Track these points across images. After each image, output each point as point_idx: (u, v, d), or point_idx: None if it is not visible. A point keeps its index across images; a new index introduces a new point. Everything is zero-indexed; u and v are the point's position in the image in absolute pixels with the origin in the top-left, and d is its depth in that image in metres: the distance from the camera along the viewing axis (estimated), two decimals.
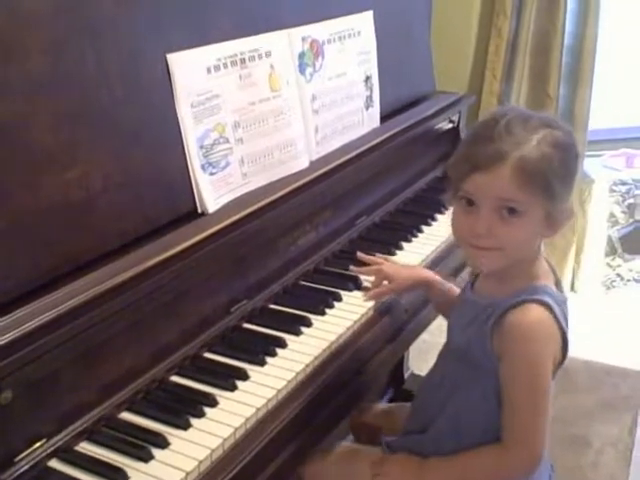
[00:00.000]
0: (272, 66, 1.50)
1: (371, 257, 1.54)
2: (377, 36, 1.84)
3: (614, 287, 3.27)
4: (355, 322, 1.42)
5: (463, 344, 1.23)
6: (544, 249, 1.23)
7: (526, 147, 1.11)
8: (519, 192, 1.10)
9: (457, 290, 1.41)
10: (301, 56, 1.60)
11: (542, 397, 1.14)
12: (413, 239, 1.77)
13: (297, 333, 1.37)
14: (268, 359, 1.29)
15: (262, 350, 1.31)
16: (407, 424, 1.37)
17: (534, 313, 1.13)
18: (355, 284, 1.53)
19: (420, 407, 1.35)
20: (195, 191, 1.34)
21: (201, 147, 1.35)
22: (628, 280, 3.27)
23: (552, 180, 1.11)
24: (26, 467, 1.03)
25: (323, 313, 1.44)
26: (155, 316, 1.22)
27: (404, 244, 1.74)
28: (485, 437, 1.20)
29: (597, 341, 2.76)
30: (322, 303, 1.45)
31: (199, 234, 1.28)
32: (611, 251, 3.23)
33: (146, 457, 1.07)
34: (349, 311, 1.45)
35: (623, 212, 3.18)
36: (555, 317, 1.14)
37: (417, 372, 2.27)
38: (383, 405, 1.57)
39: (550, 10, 2.87)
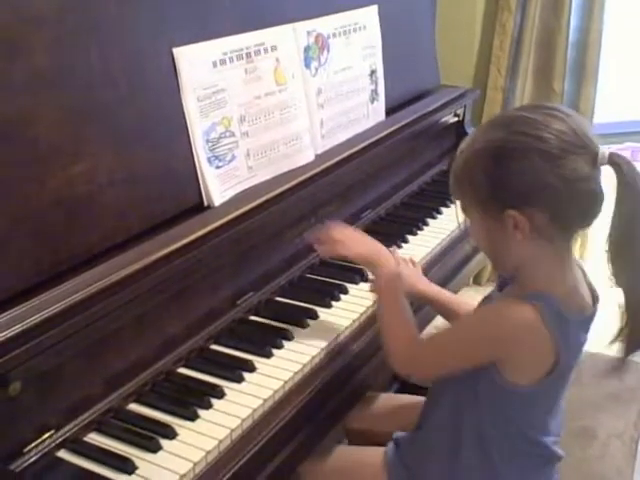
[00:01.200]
0: (278, 60, 1.51)
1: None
2: (382, 30, 1.85)
3: None
4: (361, 314, 1.43)
5: None
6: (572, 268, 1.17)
7: (466, 150, 1.12)
8: (454, 194, 1.15)
9: (446, 294, 1.44)
10: (306, 50, 1.60)
11: (460, 348, 1.16)
12: (419, 232, 1.78)
13: (303, 325, 1.38)
14: (274, 351, 1.30)
15: (268, 342, 1.31)
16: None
17: (518, 306, 1.09)
18: (361, 276, 1.53)
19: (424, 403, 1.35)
20: (201, 184, 1.35)
21: (207, 141, 1.36)
22: None
23: (475, 187, 1.10)
24: (35, 457, 1.04)
25: (329, 305, 1.44)
26: (162, 309, 1.23)
27: (410, 237, 1.74)
28: (477, 437, 1.18)
29: (603, 334, 2.76)
30: (328, 295, 1.46)
31: (205, 227, 1.29)
32: None
33: (154, 448, 1.08)
34: (355, 303, 1.46)
35: None
36: (545, 322, 1.07)
37: None
38: (380, 401, 1.55)
39: (555, 5, 2.86)
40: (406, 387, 1.78)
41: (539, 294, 1.09)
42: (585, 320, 1.15)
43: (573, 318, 1.11)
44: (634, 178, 1.06)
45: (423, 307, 1.56)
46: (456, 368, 1.16)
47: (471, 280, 2.88)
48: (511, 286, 1.18)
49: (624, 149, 3.21)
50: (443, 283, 1.70)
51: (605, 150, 1.06)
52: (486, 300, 1.28)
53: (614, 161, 1.06)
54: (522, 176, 1.05)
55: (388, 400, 1.57)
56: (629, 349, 1.17)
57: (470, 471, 1.20)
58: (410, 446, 1.29)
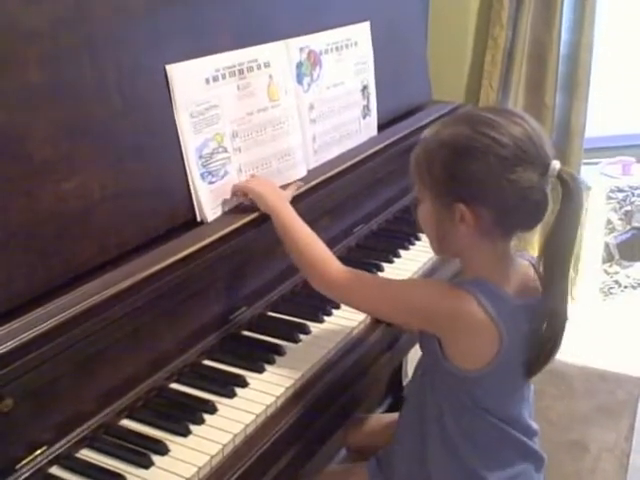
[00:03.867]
0: (270, 76, 1.52)
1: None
2: (374, 46, 1.86)
3: (612, 294, 3.28)
4: (353, 329, 1.43)
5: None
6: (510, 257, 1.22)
7: (429, 138, 1.18)
8: (412, 176, 1.21)
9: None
10: (299, 66, 1.61)
11: (388, 306, 1.24)
12: (411, 247, 1.79)
13: (296, 340, 1.38)
14: (267, 366, 1.30)
15: (261, 357, 1.32)
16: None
17: (454, 291, 1.16)
18: None
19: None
20: (194, 200, 1.35)
21: (200, 156, 1.36)
22: (625, 287, 3.28)
23: (432, 174, 1.16)
24: (27, 474, 1.04)
25: (321, 321, 1.45)
26: (155, 324, 1.24)
27: (402, 252, 1.75)
28: (440, 427, 1.22)
29: (594, 347, 2.78)
30: (320, 311, 1.47)
31: (198, 243, 1.29)
32: (608, 258, 3.24)
33: (146, 463, 1.08)
34: (347, 319, 1.46)
35: (620, 219, 3.20)
36: (481, 305, 1.13)
37: None
38: (379, 417, 1.57)
39: (546, 20, 2.89)
40: (400, 404, 1.79)
41: (474, 280, 1.16)
42: (527, 306, 1.17)
43: (510, 300, 1.16)
44: (578, 195, 1.11)
45: None
46: (385, 313, 1.29)
47: None
48: (462, 272, 1.26)
49: (615, 162, 3.24)
50: None
51: (556, 164, 1.12)
52: None
53: (562, 177, 1.11)
54: (476, 175, 1.11)
55: (385, 417, 1.58)
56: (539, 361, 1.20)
57: (438, 465, 1.23)
58: (387, 458, 1.31)
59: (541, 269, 1.16)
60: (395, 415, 1.54)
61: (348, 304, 1.35)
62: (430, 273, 1.70)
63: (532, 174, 1.10)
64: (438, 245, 1.25)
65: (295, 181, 1.54)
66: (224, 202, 1.42)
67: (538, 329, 1.16)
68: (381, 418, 1.58)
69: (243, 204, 1.44)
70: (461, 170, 1.12)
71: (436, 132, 1.18)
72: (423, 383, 1.27)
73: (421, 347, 1.29)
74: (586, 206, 3.18)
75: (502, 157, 1.09)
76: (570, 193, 1.11)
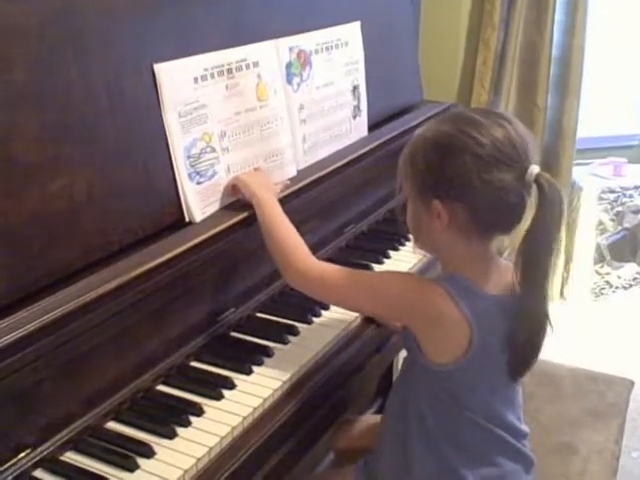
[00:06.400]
0: (259, 76, 1.51)
1: None
2: (365, 46, 1.85)
3: (603, 294, 3.28)
4: (343, 330, 1.43)
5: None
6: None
7: (418, 135, 1.19)
8: (398, 172, 1.22)
9: None
10: (288, 66, 1.61)
11: (375, 291, 1.24)
12: (401, 248, 1.78)
13: (284, 342, 1.37)
14: (255, 368, 1.30)
15: (249, 359, 1.31)
16: None
17: (429, 285, 1.18)
18: None
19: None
20: (182, 200, 1.34)
21: (188, 156, 1.36)
22: (617, 287, 3.29)
23: (413, 170, 1.18)
24: (11, 477, 1.03)
25: (310, 322, 1.44)
26: (142, 325, 1.23)
27: (392, 253, 1.75)
28: (420, 424, 1.22)
29: (585, 348, 2.78)
30: (309, 312, 1.46)
31: (186, 243, 1.28)
32: (600, 259, 3.24)
33: (132, 467, 1.07)
34: (337, 319, 1.46)
35: (611, 220, 3.20)
36: (453, 299, 1.14)
37: None
38: (367, 420, 1.57)
39: (538, 22, 2.90)
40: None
41: (449, 275, 1.19)
42: (502, 301, 1.18)
43: (486, 296, 1.17)
44: (553, 201, 1.11)
45: None
46: (361, 306, 1.32)
47: None
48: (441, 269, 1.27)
49: (607, 163, 3.24)
50: None
51: (535, 168, 1.11)
52: None
53: (539, 181, 1.12)
54: (452, 172, 1.12)
55: (374, 418, 1.57)
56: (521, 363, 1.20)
57: (419, 462, 1.23)
58: (374, 461, 1.30)
59: (518, 269, 1.16)
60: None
61: (323, 298, 1.37)
62: (421, 273, 1.70)
63: (508, 176, 1.10)
64: (416, 240, 1.27)
65: (284, 181, 1.54)
66: (213, 202, 1.41)
67: (516, 330, 1.17)
68: (370, 420, 1.57)
69: (232, 204, 1.43)
70: (438, 166, 1.14)
71: (423, 129, 1.20)
72: (405, 380, 1.28)
73: (404, 344, 1.30)
74: (577, 207, 3.19)
75: (478, 156, 1.10)
76: (545, 198, 1.11)
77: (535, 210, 1.13)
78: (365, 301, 1.27)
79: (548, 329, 1.19)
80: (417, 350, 1.20)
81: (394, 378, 2.30)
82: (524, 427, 1.27)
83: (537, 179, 1.11)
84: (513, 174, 1.10)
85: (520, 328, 1.16)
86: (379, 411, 1.56)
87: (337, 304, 1.39)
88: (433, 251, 1.31)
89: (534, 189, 1.12)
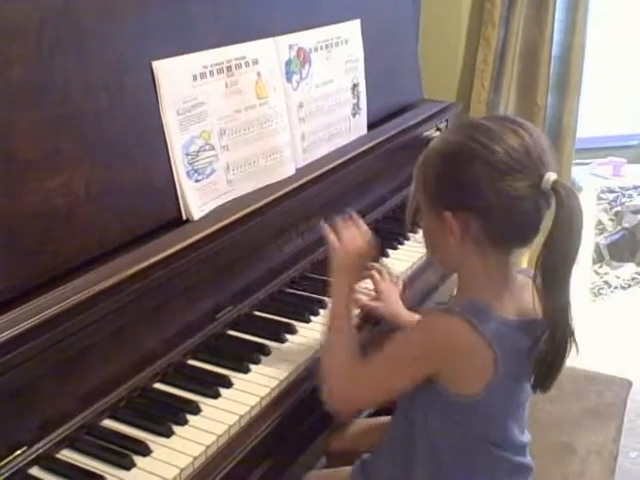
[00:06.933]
0: (259, 74, 1.51)
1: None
2: (365, 44, 1.85)
3: (601, 294, 3.28)
4: None
5: None
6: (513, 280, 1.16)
7: (430, 145, 1.15)
8: (415, 189, 1.17)
9: None
10: (288, 64, 1.60)
11: (392, 372, 1.15)
12: (400, 246, 1.78)
13: (282, 340, 1.37)
14: (252, 366, 1.29)
15: (246, 357, 1.31)
16: None
17: (443, 318, 1.11)
18: None
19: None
20: (180, 198, 1.34)
21: (186, 154, 1.35)
22: (615, 287, 3.28)
23: (425, 182, 1.13)
24: (7, 475, 1.03)
25: (308, 320, 1.44)
26: (140, 323, 1.22)
27: (390, 251, 1.75)
28: (430, 452, 1.18)
29: (584, 348, 2.77)
30: (307, 310, 1.46)
31: (184, 241, 1.28)
32: (599, 258, 3.24)
33: (128, 465, 1.07)
34: None
35: (611, 220, 3.20)
36: (475, 329, 1.07)
37: None
38: (361, 423, 1.55)
39: (538, 20, 2.89)
40: (382, 408, 1.78)
41: (469, 302, 1.11)
42: (525, 325, 1.13)
43: (507, 321, 1.11)
44: (570, 209, 1.06)
45: None
46: (393, 390, 1.16)
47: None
48: (456, 293, 1.21)
49: (606, 163, 3.24)
50: (425, 296, 1.71)
51: (551, 176, 1.06)
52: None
53: (556, 189, 1.05)
54: (461, 180, 1.08)
55: (367, 421, 1.56)
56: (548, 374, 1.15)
57: (421, 474, 1.19)
58: (372, 464, 1.29)
59: (537, 282, 1.10)
60: (379, 420, 1.53)
61: (363, 406, 1.27)
62: (420, 273, 1.70)
63: (521, 184, 1.05)
64: (436, 257, 1.22)
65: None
66: (211, 200, 1.40)
67: (542, 353, 1.12)
68: (363, 423, 1.56)
69: (230, 203, 1.43)
70: (448, 176, 1.10)
71: (434, 141, 1.15)
72: (409, 401, 1.20)
73: None
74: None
75: (489, 164, 1.05)
76: (562, 207, 1.05)
77: (553, 219, 1.07)
78: (399, 373, 1.15)
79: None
80: (431, 383, 1.13)
81: None
82: (526, 437, 1.23)
83: (553, 186, 1.05)
84: (528, 182, 1.05)
85: (546, 351, 1.11)
86: (374, 414, 1.55)
87: (380, 399, 1.23)
88: (451, 268, 1.25)
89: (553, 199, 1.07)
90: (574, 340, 1.14)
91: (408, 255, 1.74)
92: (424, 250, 1.71)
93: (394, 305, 1.48)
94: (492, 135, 1.07)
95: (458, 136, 1.11)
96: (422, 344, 1.12)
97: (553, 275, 1.09)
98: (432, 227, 1.15)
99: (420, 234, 1.82)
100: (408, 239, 1.81)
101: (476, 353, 1.09)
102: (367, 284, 1.52)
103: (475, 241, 1.10)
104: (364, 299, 1.49)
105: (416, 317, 1.41)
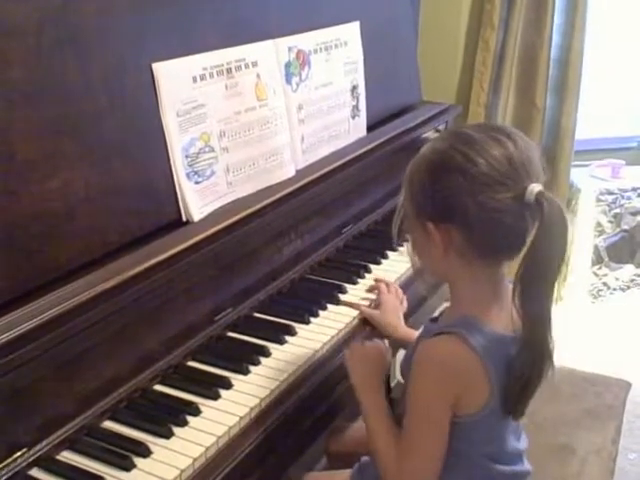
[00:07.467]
0: (258, 76, 1.51)
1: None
2: (364, 46, 1.85)
3: (600, 296, 3.28)
4: (340, 331, 1.43)
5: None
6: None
7: (418, 154, 1.13)
8: (403, 197, 1.14)
9: None
10: (287, 66, 1.61)
11: (430, 425, 1.10)
12: (399, 248, 1.78)
13: (281, 342, 1.37)
14: (252, 368, 1.29)
15: (246, 359, 1.31)
16: None
17: (441, 342, 1.09)
18: (341, 293, 1.53)
19: None
20: (180, 200, 1.34)
21: (186, 156, 1.35)
22: (614, 289, 3.29)
23: (411, 191, 1.11)
24: (7, 476, 1.03)
25: (308, 322, 1.44)
26: (139, 324, 1.22)
27: (390, 253, 1.75)
28: None
29: (583, 350, 2.78)
30: (307, 312, 1.46)
31: (184, 242, 1.28)
32: (597, 260, 3.24)
33: (128, 466, 1.07)
34: (334, 320, 1.46)
35: (609, 221, 3.20)
36: (471, 347, 1.06)
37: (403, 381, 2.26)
38: (361, 425, 1.55)
39: (537, 23, 2.90)
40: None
41: (462, 319, 1.09)
42: (516, 339, 1.10)
43: (496, 335, 1.09)
44: (552, 222, 1.01)
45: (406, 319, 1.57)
46: (445, 434, 1.11)
47: None
48: (448, 307, 1.18)
49: (605, 165, 3.24)
50: (423, 298, 1.70)
51: (535, 187, 1.02)
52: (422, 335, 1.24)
53: (539, 200, 1.02)
54: (442, 192, 1.05)
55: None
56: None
57: None
58: (371, 468, 1.29)
59: (516, 296, 1.05)
60: None
61: (434, 473, 1.15)
62: (418, 274, 1.70)
63: (504, 196, 1.01)
64: (425, 269, 1.21)
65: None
66: (211, 202, 1.41)
67: (514, 372, 1.08)
68: (363, 425, 1.56)
69: (230, 204, 1.43)
70: (430, 186, 1.07)
71: (424, 147, 1.13)
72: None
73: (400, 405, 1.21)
74: (575, 208, 3.19)
75: (471, 176, 1.02)
76: (544, 219, 1.01)
77: (535, 232, 1.03)
78: (437, 421, 1.11)
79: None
80: None
81: (391, 380, 2.29)
82: (522, 444, 1.22)
83: (537, 198, 1.01)
84: (510, 194, 1.01)
85: (521, 370, 1.08)
86: None
87: (442, 450, 1.13)
88: (439, 279, 1.24)
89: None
90: (552, 363, 1.09)
91: (407, 258, 1.73)
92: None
93: (391, 316, 1.48)
94: (474, 145, 1.04)
95: (443, 144, 1.08)
96: (433, 379, 1.09)
97: (530, 289, 1.05)
98: (416, 237, 1.13)
99: None
100: (408, 240, 1.80)
101: (474, 370, 1.07)
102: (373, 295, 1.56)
103: (459, 253, 1.08)
104: (363, 305, 1.51)
105: (414, 333, 1.41)
